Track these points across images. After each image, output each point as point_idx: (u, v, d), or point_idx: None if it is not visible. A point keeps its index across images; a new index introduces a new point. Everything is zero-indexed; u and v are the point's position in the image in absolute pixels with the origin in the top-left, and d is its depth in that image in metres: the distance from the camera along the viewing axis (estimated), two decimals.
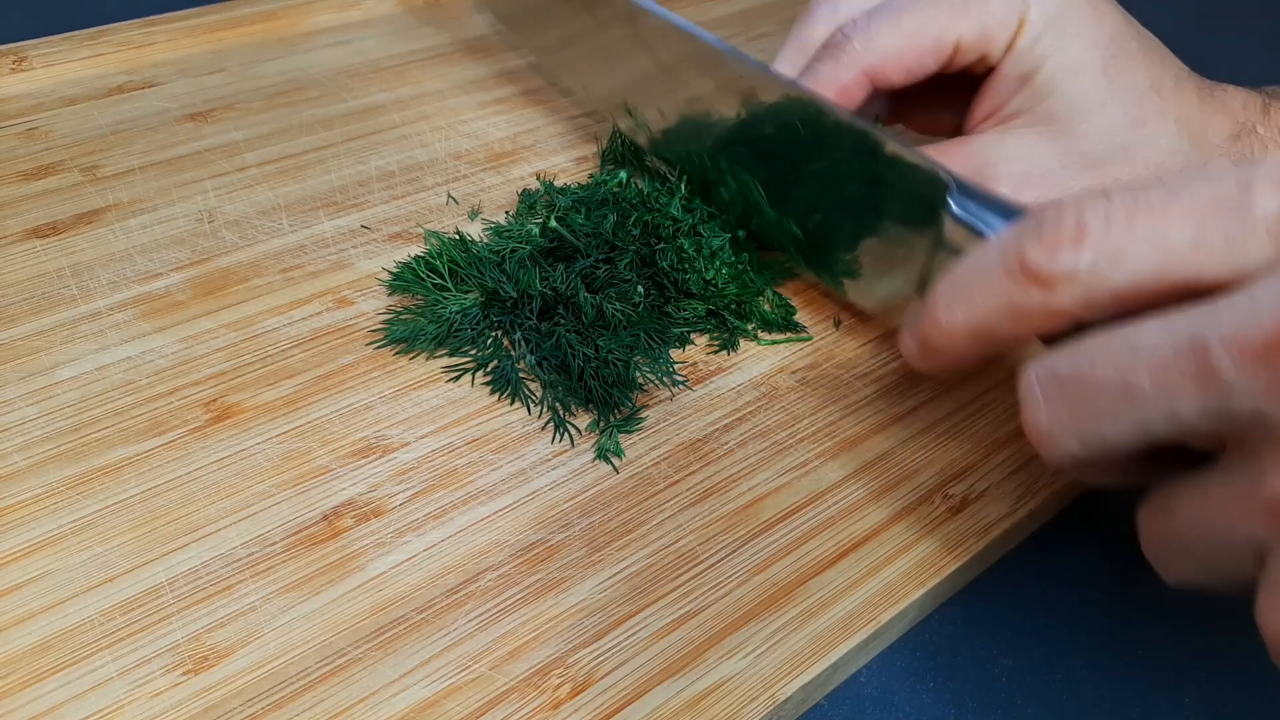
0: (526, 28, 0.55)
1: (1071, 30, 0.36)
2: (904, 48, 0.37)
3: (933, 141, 0.40)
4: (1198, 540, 0.24)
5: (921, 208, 0.34)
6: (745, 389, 0.37)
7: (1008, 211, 0.32)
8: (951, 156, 0.38)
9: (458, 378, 0.37)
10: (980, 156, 0.38)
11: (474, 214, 0.45)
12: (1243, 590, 0.23)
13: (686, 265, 0.39)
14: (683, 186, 0.42)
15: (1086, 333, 0.24)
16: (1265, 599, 0.21)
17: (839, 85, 0.38)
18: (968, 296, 0.27)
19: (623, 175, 0.45)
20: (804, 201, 0.39)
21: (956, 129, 0.42)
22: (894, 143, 0.35)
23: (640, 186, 0.43)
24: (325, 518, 0.31)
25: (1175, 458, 0.25)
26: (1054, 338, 0.26)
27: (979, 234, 0.32)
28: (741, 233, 0.41)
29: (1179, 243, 0.23)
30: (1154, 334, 0.22)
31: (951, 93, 0.41)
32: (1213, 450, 0.24)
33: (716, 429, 0.35)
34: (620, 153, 0.48)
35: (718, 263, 0.39)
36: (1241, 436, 0.22)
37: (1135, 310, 0.23)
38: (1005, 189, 0.37)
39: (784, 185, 0.39)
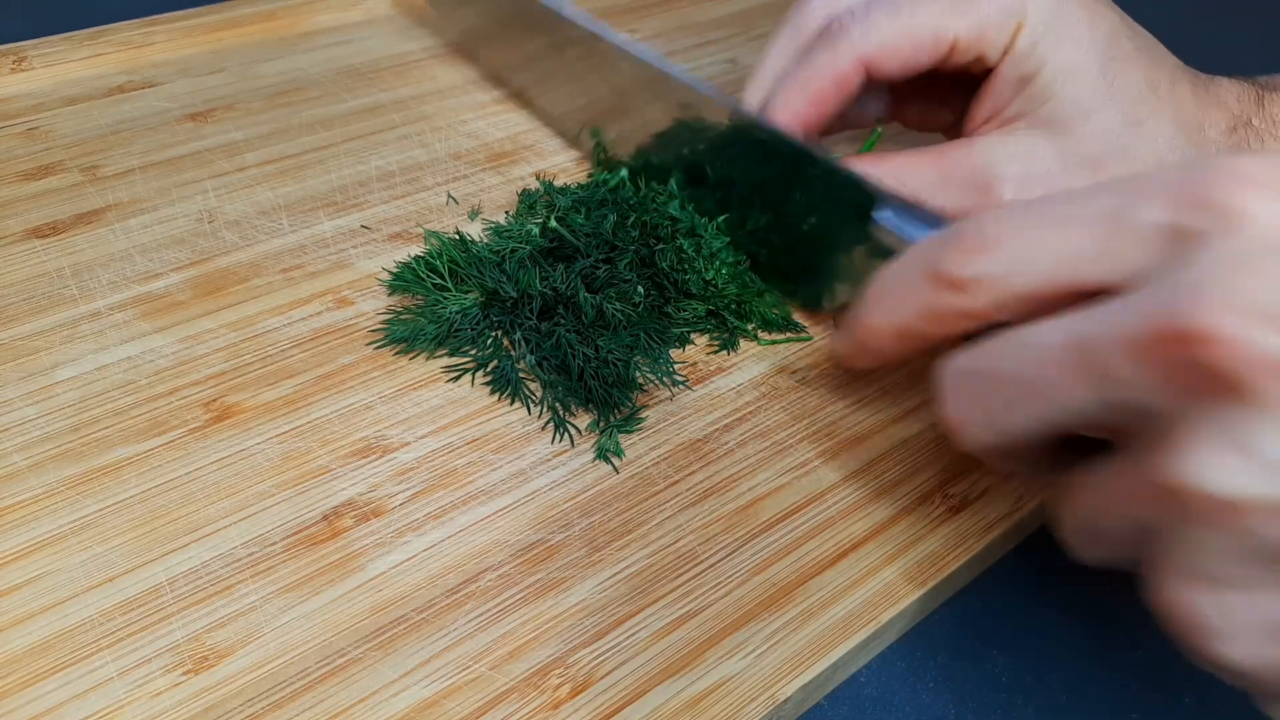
0: (475, 45, 0.55)
1: (1069, 33, 0.37)
2: (901, 39, 0.37)
3: (933, 142, 0.40)
4: (1099, 523, 0.26)
5: (853, 219, 0.35)
6: (745, 389, 0.37)
7: (932, 221, 0.34)
8: (953, 158, 0.39)
9: (458, 378, 0.37)
10: (982, 158, 0.38)
11: (474, 214, 0.45)
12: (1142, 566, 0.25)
13: (686, 265, 0.39)
14: (673, 186, 0.42)
15: (996, 332, 0.26)
16: (1154, 577, 0.24)
17: (836, 73, 0.38)
18: (891, 301, 0.30)
19: (623, 173, 0.45)
20: (755, 224, 0.40)
21: (955, 130, 0.42)
22: (826, 157, 0.36)
23: (639, 186, 0.43)
24: (325, 518, 0.31)
25: (1081, 448, 0.27)
26: (973, 338, 0.28)
27: (906, 242, 0.33)
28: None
29: (1072, 251, 0.25)
30: (1050, 333, 0.24)
31: (950, 93, 0.42)
32: (1111, 440, 0.26)
33: (716, 429, 0.35)
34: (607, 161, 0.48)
35: (717, 263, 0.39)
36: (1130, 427, 0.24)
37: (1039, 312, 0.25)
38: (1007, 190, 0.38)
39: (735, 210, 0.41)
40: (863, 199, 0.35)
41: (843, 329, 0.33)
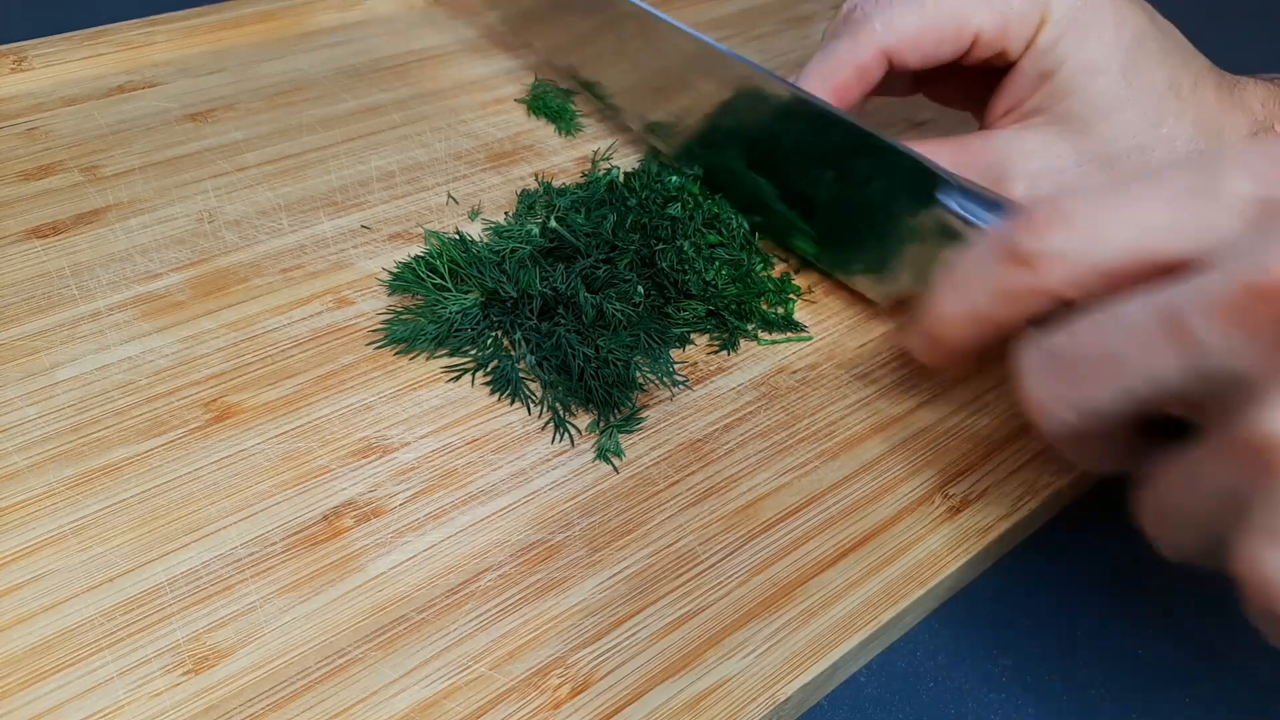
0: (531, 29, 0.55)
1: (1093, 31, 0.37)
2: (923, 31, 0.38)
3: (955, 134, 0.41)
4: (1189, 504, 0.25)
5: (915, 201, 0.35)
6: (745, 389, 0.37)
7: (996, 204, 0.34)
8: (972, 150, 0.39)
9: (458, 378, 0.37)
10: (999, 152, 0.39)
11: (474, 214, 0.45)
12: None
13: (686, 266, 0.39)
14: (676, 183, 0.43)
15: (1075, 313, 0.26)
16: (1243, 542, 0.23)
17: (857, 63, 0.38)
18: (965, 285, 0.29)
19: (615, 172, 0.45)
20: (810, 197, 0.40)
21: (980, 111, 0.42)
22: (889, 139, 0.36)
23: (635, 186, 0.43)
24: (325, 518, 0.31)
25: (1160, 435, 0.27)
26: (1046, 323, 0.27)
27: (970, 225, 0.34)
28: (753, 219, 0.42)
29: (1156, 224, 0.25)
30: (1136, 306, 0.24)
31: (974, 85, 0.42)
32: (1193, 422, 0.26)
33: (716, 429, 0.35)
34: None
35: (717, 264, 0.39)
36: (1219, 394, 0.23)
37: (1114, 290, 0.25)
38: (1022, 184, 0.38)
39: (791, 183, 0.41)
40: (926, 181, 0.35)
41: (913, 322, 0.33)
